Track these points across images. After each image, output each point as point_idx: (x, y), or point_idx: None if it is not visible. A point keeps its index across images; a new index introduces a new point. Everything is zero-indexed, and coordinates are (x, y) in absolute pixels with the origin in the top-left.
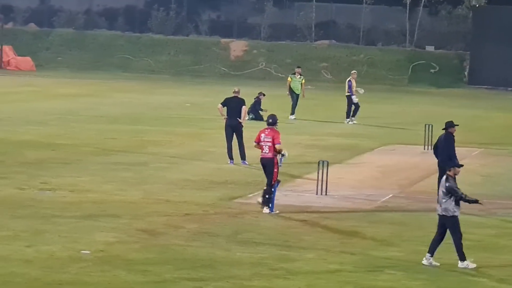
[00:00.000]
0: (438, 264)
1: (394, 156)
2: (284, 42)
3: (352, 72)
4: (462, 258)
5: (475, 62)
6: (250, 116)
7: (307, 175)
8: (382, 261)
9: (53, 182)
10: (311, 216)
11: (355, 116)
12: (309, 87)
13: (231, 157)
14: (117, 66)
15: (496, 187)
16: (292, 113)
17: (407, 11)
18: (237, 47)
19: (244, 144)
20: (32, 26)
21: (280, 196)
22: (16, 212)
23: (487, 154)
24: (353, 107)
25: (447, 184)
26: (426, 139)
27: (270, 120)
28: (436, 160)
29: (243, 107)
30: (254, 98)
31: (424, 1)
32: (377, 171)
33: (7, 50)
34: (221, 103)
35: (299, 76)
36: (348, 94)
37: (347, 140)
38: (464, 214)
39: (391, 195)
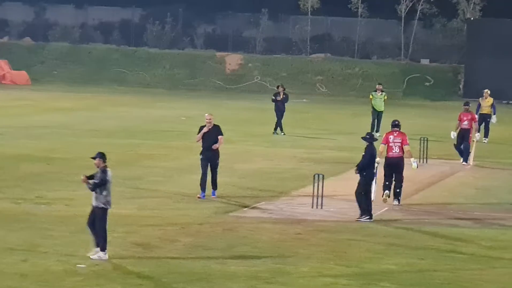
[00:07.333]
0: None
1: None
2: (279, 55)
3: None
4: None
5: (470, 75)
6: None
7: (302, 188)
8: (377, 273)
9: (49, 196)
10: (306, 229)
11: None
12: (304, 100)
13: None
14: (113, 80)
15: (490, 200)
16: (377, 130)
17: (402, 25)
18: (233, 60)
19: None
20: (27, 40)
21: (276, 210)
22: (11, 226)
23: (481, 167)
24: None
25: None
26: (421, 152)
27: (396, 122)
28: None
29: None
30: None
31: (419, 14)
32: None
33: (2, 64)
34: None
35: (380, 93)
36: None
37: (341, 153)
38: (458, 227)
39: (386, 208)
